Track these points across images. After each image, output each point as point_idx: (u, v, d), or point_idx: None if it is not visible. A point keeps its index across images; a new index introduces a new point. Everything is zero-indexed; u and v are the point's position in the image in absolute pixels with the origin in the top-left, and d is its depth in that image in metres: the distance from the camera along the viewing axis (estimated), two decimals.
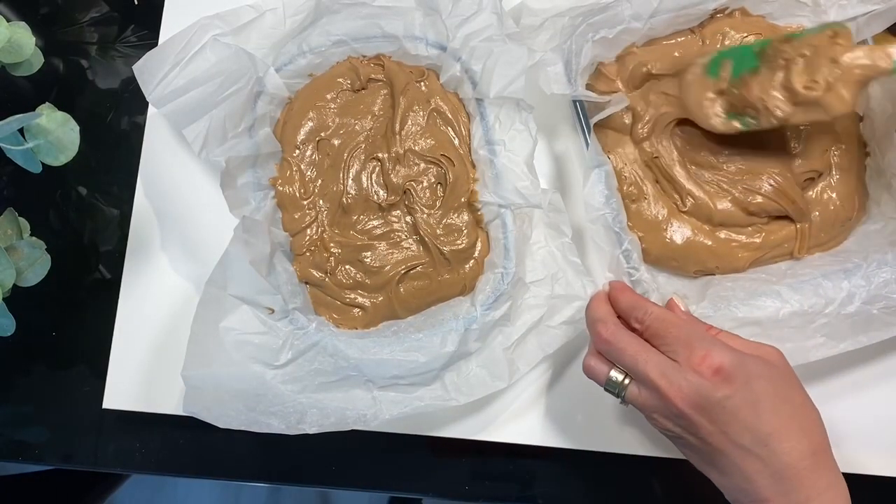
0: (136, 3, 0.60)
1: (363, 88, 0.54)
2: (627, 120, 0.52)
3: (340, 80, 0.53)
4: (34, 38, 0.48)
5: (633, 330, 0.41)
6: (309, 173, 0.52)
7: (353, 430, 0.45)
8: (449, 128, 0.52)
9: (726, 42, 0.52)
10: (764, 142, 0.50)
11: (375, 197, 0.52)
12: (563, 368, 0.51)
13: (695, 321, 0.42)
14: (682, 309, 0.43)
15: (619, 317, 0.43)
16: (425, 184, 0.51)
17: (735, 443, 0.36)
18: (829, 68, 0.42)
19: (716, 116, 0.48)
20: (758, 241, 0.50)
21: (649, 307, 0.41)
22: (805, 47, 0.44)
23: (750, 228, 0.50)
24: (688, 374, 0.37)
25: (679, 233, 0.50)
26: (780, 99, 0.44)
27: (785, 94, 0.44)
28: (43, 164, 0.46)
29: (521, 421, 0.50)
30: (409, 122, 0.52)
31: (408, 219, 0.51)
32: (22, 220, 0.48)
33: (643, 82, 0.52)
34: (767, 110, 0.45)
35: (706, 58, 0.49)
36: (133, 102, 0.57)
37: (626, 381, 0.40)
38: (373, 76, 0.53)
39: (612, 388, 0.41)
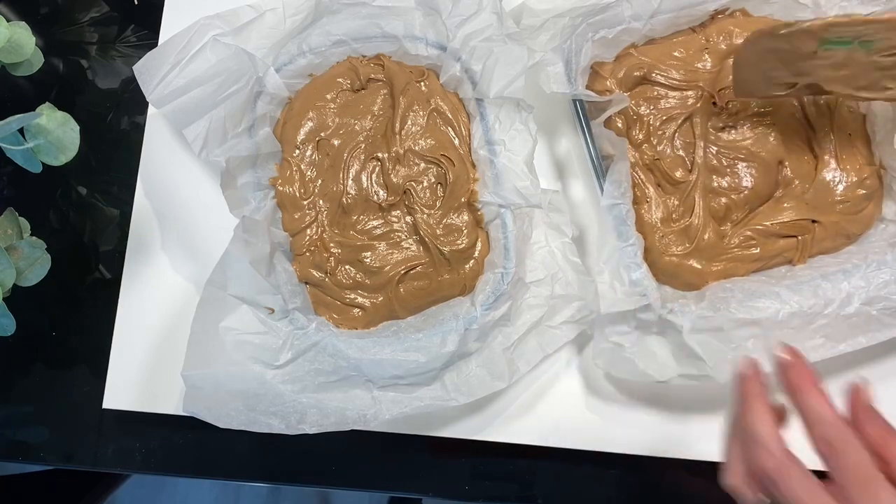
0: (136, 3, 0.60)
1: (363, 88, 0.54)
2: (620, 123, 0.51)
3: (340, 80, 0.53)
4: (34, 38, 0.48)
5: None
6: (309, 173, 0.52)
7: (353, 430, 0.45)
8: (449, 128, 0.52)
9: (734, 41, 0.52)
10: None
11: (375, 197, 0.52)
12: (564, 368, 0.51)
13: None
14: (869, 396, 0.36)
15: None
16: (425, 184, 0.51)
17: None
18: None
19: None
20: (756, 251, 0.49)
21: (850, 449, 0.32)
22: None
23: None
24: None
25: None
26: None
27: None
28: (43, 164, 0.46)
29: (521, 421, 0.50)
30: (409, 122, 0.52)
31: (408, 219, 0.51)
32: (22, 220, 0.48)
33: (636, 85, 0.52)
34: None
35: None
36: (133, 102, 0.57)
37: None
38: (373, 76, 0.53)
39: None
